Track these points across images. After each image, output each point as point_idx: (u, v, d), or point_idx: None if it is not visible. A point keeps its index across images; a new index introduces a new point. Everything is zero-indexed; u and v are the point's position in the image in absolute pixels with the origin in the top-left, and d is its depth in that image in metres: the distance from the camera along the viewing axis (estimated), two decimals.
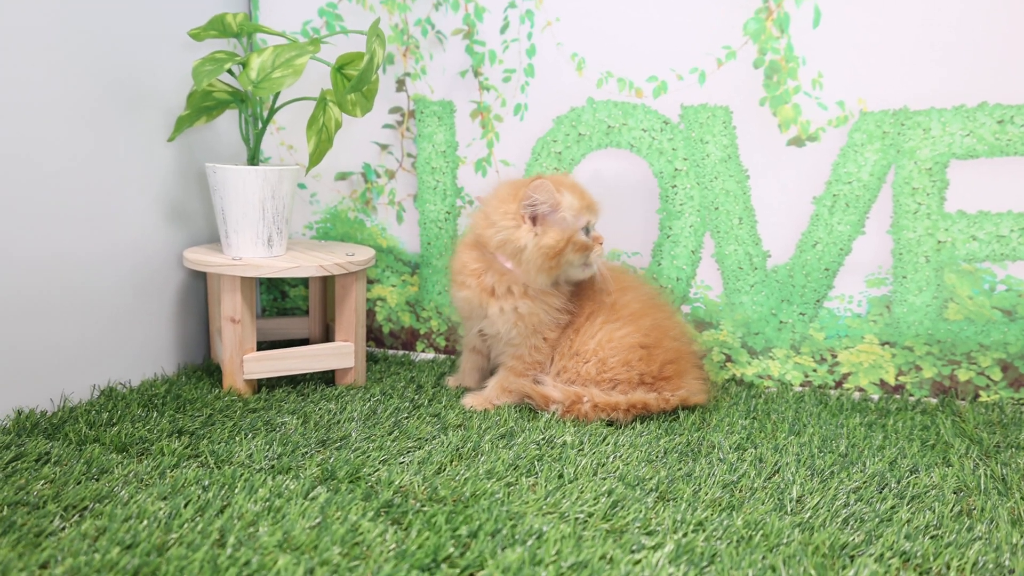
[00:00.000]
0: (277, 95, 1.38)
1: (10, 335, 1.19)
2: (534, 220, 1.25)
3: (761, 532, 0.90)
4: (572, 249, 1.27)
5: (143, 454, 1.10)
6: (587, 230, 1.28)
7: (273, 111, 1.38)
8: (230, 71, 1.35)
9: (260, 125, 1.38)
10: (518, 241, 1.26)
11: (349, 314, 1.42)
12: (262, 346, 1.58)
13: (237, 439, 1.15)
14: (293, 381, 1.43)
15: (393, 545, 0.87)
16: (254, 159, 1.40)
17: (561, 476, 1.05)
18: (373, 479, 1.03)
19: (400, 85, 1.51)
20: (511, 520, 0.91)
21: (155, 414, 1.24)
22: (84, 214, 1.28)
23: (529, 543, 0.87)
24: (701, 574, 0.82)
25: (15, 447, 1.09)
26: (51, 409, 1.25)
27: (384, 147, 1.54)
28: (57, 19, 1.22)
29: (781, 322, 1.40)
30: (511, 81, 1.46)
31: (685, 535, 0.89)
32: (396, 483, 1.01)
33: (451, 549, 0.85)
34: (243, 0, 1.56)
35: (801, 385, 1.41)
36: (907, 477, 1.06)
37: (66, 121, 1.24)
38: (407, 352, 1.61)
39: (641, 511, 0.95)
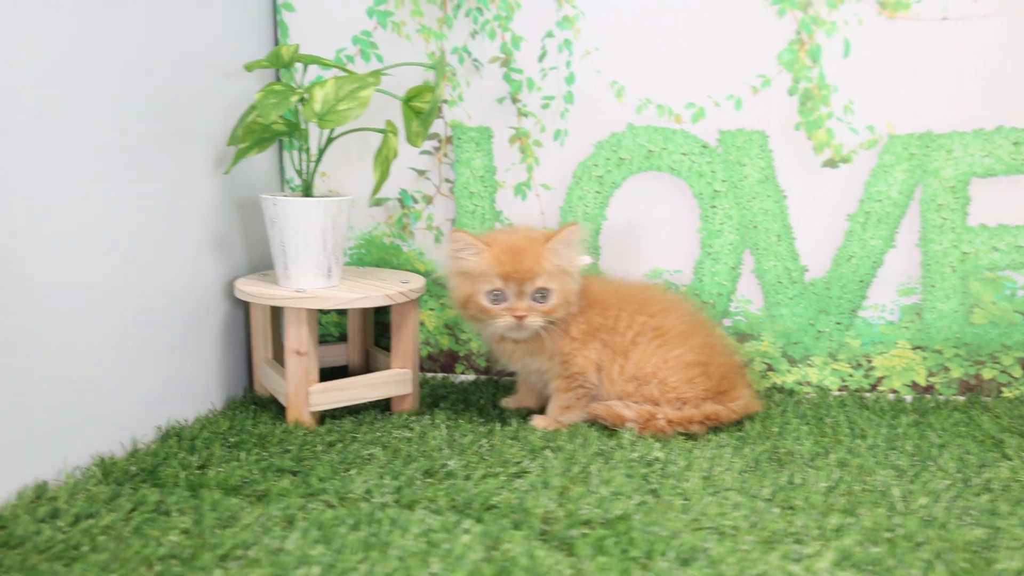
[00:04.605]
0: None
1: (82, 379, 1.15)
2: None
3: (902, 532, 0.98)
4: (475, 307, 1.30)
5: (260, 496, 1.09)
6: (500, 295, 1.29)
7: (330, 141, 1.37)
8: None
9: (315, 156, 1.38)
10: (448, 280, 1.35)
11: (406, 341, 1.43)
12: None
13: (340, 474, 1.15)
14: (351, 411, 1.42)
15: (570, 572, 0.90)
16: (308, 190, 1.39)
17: (682, 493, 1.10)
18: (507, 507, 1.05)
19: (438, 112, 1.53)
20: (672, 539, 0.96)
21: (242, 453, 1.22)
22: (137, 251, 1.24)
23: (701, 560, 0.92)
24: None
25: (125, 497, 1.06)
26: (120, 453, 1.22)
27: (421, 173, 1.56)
28: (100, 52, 1.18)
29: (819, 331, 1.49)
30: (550, 107, 1.50)
31: (829, 541, 0.96)
32: (532, 509, 1.04)
33: (638, 572, 0.89)
34: (269, 28, 1.54)
35: (839, 390, 1.51)
36: (983, 472, 1.16)
37: (112, 155, 1.20)
38: (446, 375, 1.62)
39: (777, 521, 1.01)
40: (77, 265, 1.13)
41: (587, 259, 1.36)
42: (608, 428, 1.33)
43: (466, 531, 0.98)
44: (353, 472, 1.16)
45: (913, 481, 1.14)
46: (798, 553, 0.94)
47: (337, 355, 1.61)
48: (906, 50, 1.40)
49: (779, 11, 1.41)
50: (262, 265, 1.55)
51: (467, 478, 1.14)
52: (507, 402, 1.47)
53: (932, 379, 1.48)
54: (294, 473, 1.16)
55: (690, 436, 1.30)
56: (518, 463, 1.20)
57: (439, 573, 0.89)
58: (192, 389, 1.38)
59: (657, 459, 1.21)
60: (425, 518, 1.01)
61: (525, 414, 1.42)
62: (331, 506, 1.06)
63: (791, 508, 1.06)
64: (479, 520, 1.02)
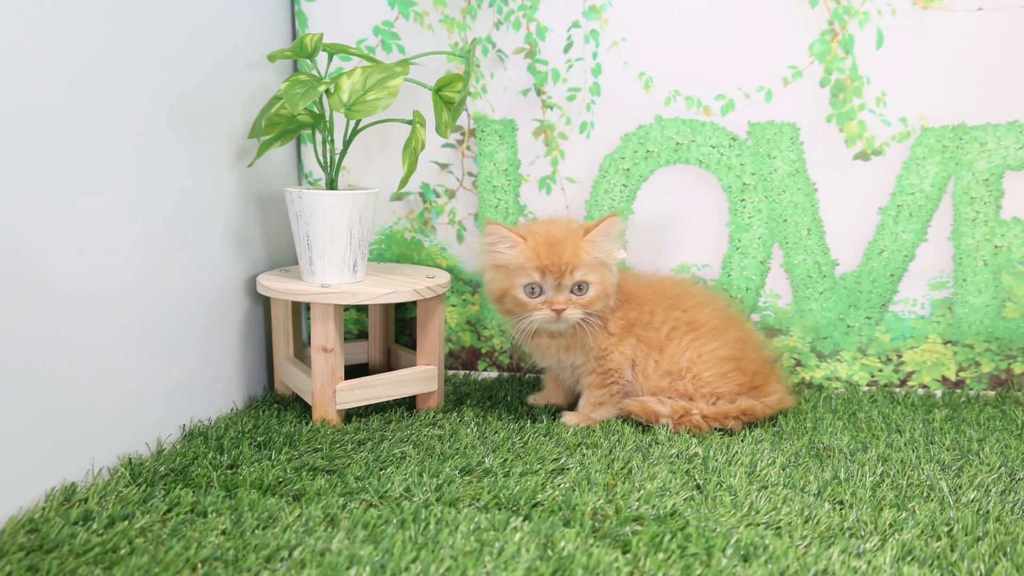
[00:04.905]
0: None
1: (106, 378, 1.11)
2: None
3: (959, 526, 0.96)
4: (511, 301, 1.28)
5: (297, 496, 1.05)
6: (537, 288, 1.26)
7: (355, 133, 1.34)
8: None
9: (340, 148, 1.34)
10: (483, 274, 1.33)
11: (432, 338, 1.40)
12: None
13: (376, 473, 1.12)
14: (377, 409, 1.40)
15: (629, 570, 0.87)
16: (333, 183, 1.36)
17: (728, 488, 1.08)
18: (553, 504, 1.02)
19: None
20: (728, 535, 0.94)
21: (272, 452, 1.18)
22: (160, 247, 1.21)
23: (761, 556, 0.90)
24: (932, 572, 0.87)
25: (158, 498, 1.03)
26: (146, 453, 1.18)
27: (444, 166, 1.53)
28: (116, 45, 1.15)
29: (848, 326, 1.48)
30: (576, 100, 1.48)
31: (887, 536, 0.94)
32: (580, 506, 1.01)
33: (700, 569, 0.87)
34: (286, 18, 1.50)
35: (868, 385, 1.49)
36: None
37: (133, 151, 1.16)
38: (468, 372, 1.60)
39: (830, 516, 0.99)
40: (100, 265, 1.09)
41: (622, 253, 1.33)
42: (641, 424, 1.31)
43: (515, 529, 0.96)
44: (390, 470, 1.13)
45: (959, 475, 1.12)
46: (858, 548, 0.92)
47: (356, 353, 1.58)
48: (940, 41, 1.38)
49: (811, 1, 1.39)
50: (281, 261, 1.52)
51: (506, 475, 1.11)
52: (534, 399, 1.45)
53: (962, 374, 1.47)
54: (328, 472, 1.13)
55: (725, 431, 1.28)
56: (556, 460, 1.17)
57: (495, 572, 0.87)
58: (214, 388, 1.34)
59: (697, 455, 1.19)
60: (472, 516, 0.99)
61: (553, 411, 1.40)
62: (372, 505, 1.03)
63: (841, 503, 1.04)
64: (527, 518, 0.99)
